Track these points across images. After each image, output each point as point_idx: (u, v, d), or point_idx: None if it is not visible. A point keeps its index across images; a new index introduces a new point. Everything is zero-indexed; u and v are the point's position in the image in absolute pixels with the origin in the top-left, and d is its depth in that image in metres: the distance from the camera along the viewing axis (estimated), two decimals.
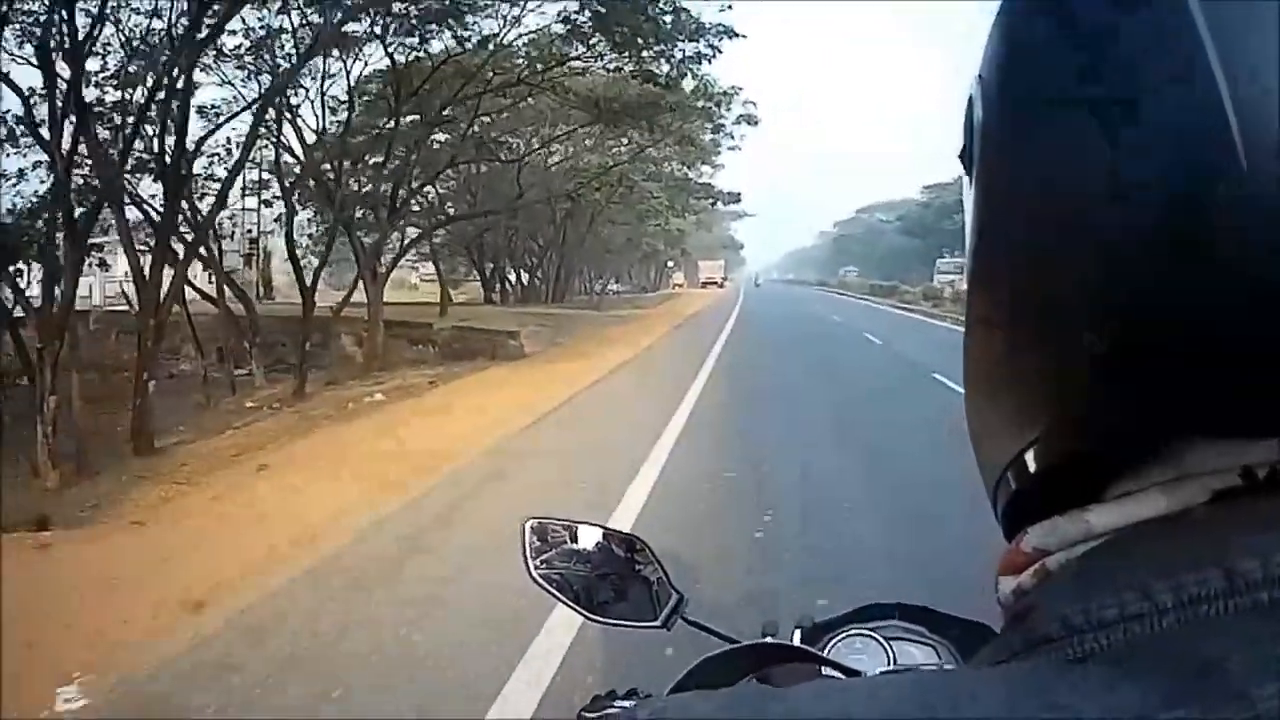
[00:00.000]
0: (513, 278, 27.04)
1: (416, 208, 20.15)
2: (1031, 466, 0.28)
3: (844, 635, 0.70)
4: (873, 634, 0.69)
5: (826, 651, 0.67)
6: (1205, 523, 0.23)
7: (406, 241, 16.65)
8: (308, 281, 12.72)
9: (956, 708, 0.21)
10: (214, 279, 13.01)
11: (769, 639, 0.67)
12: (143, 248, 9.42)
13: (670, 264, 50.97)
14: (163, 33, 9.14)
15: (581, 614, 0.71)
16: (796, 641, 0.69)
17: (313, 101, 13.95)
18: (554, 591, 0.71)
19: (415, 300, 23.78)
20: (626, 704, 0.58)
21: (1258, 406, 0.22)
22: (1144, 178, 0.22)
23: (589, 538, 0.74)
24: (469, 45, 11.98)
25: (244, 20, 10.96)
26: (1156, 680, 0.19)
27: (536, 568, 0.72)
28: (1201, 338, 0.22)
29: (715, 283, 56.46)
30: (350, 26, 12.13)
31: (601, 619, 0.71)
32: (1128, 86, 0.22)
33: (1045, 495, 0.28)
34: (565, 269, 28.57)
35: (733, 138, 17.43)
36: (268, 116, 12.92)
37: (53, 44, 7.34)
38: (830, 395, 8.82)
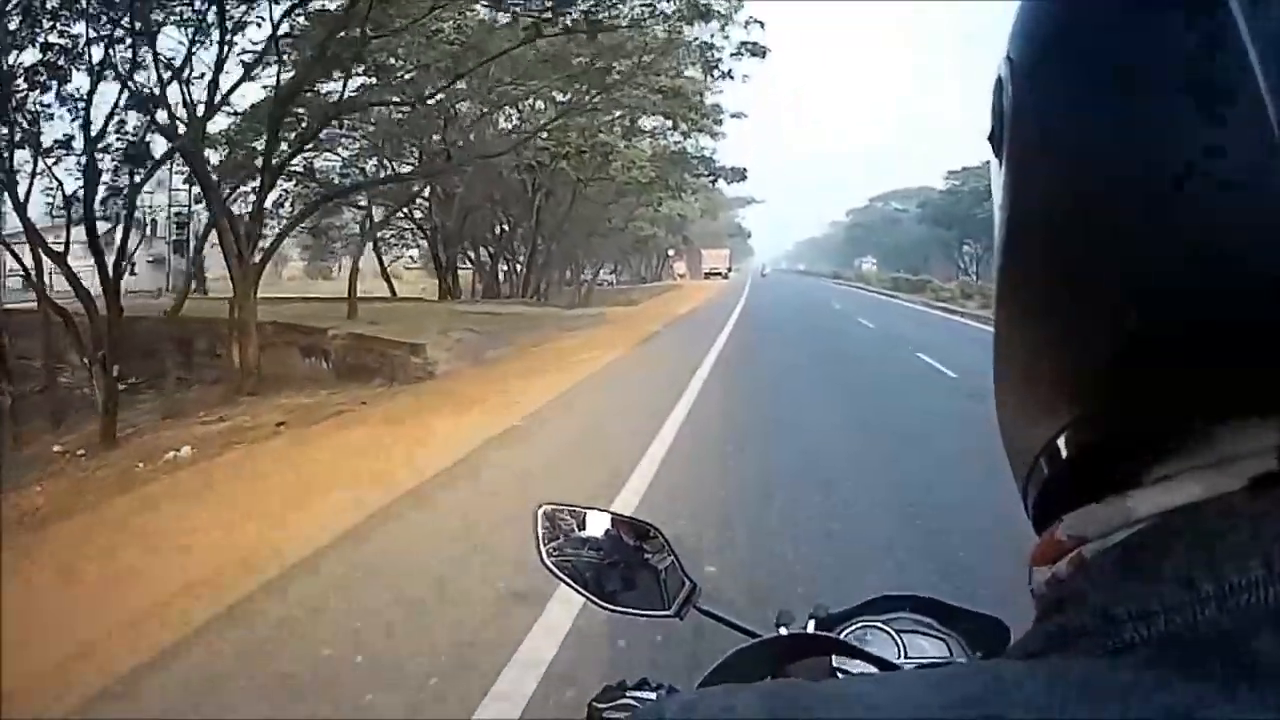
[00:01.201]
0: (476, 267, 23.22)
1: (350, 179, 16.47)
2: (1065, 452, 0.27)
3: (855, 627, 0.69)
4: (884, 626, 0.69)
5: None
6: (1245, 511, 0.23)
7: (288, 221, 12.75)
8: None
9: (996, 702, 0.20)
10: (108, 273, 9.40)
11: (783, 629, 0.69)
12: None
13: (671, 252, 46.62)
14: None
15: (593, 602, 0.70)
16: (810, 630, 0.70)
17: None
18: (565, 579, 0.70)
19: (362, 294, 20.15)
20: (639, 694, 0.64)
21: None
22: (1178, 159, 0.21)
23: (600, 524, 0.73)
24: None
25: None
26: (1198, 675, 0.19)
27: (549, 554, 0.71)
28: (1234, 320, 0.21)
29: (719, 273, 51.85)
30: None
31: (614, 608, 0.70)
32: (1163, 67, 0.21)
33: (1079, 482, 0.27)
34: (546, 257, 24.48)
35: (731, 78, 13.11)
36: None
37: None
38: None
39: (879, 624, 0.68)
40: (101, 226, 9.65)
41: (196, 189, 12.59)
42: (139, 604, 3.09)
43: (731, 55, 12.35)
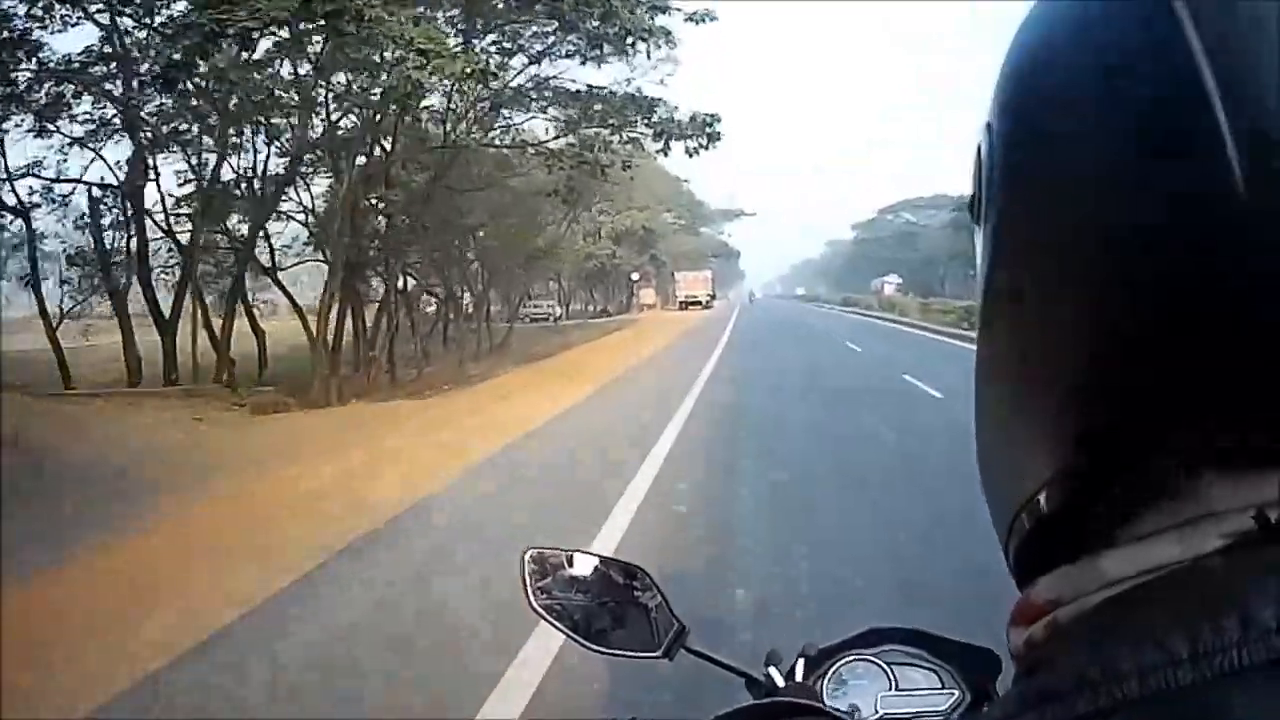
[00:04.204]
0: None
1: None
2: (1045, 508, 0.27)
3: (846, 660, 0.70)
4: (875, 659, 0.70)
5: (828, 678, 0.70)
6: (1221, 571, 0.23)
7: None
8: None
9: None
10: None
11: (772, 668, 0.71)
12: None
13: (636, 276, 35.94)
14: None
15: (582, 644, 0.71)
16: (800, 668, 0.72)
17: None
18: (553, 621, 0.71)
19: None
20: None
21: (1268, 439, 0.22)
22: (1148, 228, 0.22)
23: (587, 565, 0.73)
24: None
25: None
26: None
27: (536, 597, 0.72)
28: (1208, 375, 0.22)
29: (699, 302, 40.83)
30: None
31: (601, 649, 0.71)
32: (1130, 141, 0.22)
33: (1058, 538, 0.27)
34: (397, 285, 14.20)
35: None
36: None
37: None
38: None
39: (870, 657, 0.70)
40: None
41: None
42: None
43: None
